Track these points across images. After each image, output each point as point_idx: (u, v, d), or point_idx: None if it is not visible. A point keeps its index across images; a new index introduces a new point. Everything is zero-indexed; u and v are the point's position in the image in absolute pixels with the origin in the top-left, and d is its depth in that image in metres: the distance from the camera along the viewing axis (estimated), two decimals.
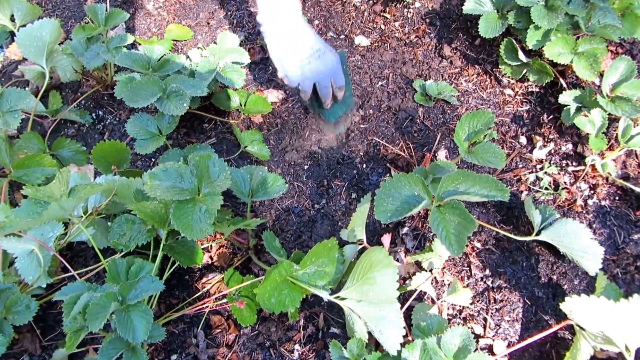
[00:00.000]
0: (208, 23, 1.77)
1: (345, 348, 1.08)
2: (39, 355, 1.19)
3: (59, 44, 1.48)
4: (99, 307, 0.93)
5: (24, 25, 1.39)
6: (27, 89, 1.52)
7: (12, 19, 1.48)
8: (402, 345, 1.01)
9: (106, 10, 1.44)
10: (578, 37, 1.41)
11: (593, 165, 1.41)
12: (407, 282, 1.24)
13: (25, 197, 1.13)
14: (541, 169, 1.43)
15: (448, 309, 1.25)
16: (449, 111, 1.54)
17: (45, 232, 1.11)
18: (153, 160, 1.49)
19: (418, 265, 1.28)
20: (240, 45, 1.56)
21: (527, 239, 1.23)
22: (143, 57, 1.42)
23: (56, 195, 1.02)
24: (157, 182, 1.01)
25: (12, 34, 1.44)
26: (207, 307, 1.23)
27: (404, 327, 1.02)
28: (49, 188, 1.01)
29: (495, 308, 1.25)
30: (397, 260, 1.28)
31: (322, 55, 1.25)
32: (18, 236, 1.09)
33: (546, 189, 1.40)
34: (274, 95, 1.59)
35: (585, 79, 1.40)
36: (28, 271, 1.09)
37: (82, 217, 1.15)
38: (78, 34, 1.45)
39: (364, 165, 1.47)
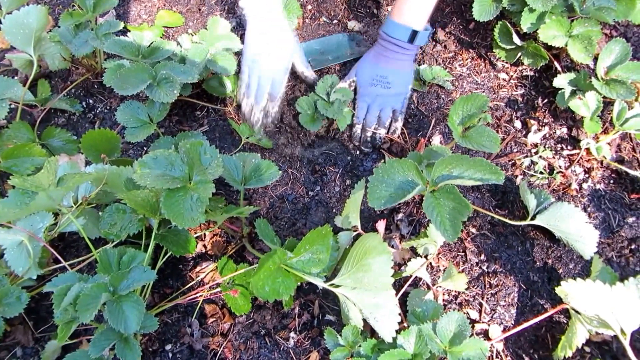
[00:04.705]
0: (199, 9, 1.74)
1: (341, 335, 1.08)
2: (32, 347, 1.18)
3: (47, 32, 1.45)
4: (89, 298, 0.92)
5: (10, 13, 1.36)
6: (15, 77, 1.50)
7: None
8: (398, 331, 1.01)
9: None
10: (572, 20, 1.40)
11: (588, 149, 1.40)
12: (402, 268, 1.23)
13: (13, 187, 1.12)
14: (536, 153, 1.42)
15: (443, 294, 1.25)
16: (443, 96, 1.53)
17: (34, 223, 1.09)
18: (145, 148, 1.47)
19: (413, 251, 1.28)
20: (232, 31, 1.53)
21: (522, 223, 1.23)
22: (132, 44, 1.39)
23: (44, 185, 1.01)
24: (147, 170, 0.99)
25: None
26: (201, 296, 1.22)
27: (399, 314, 1.01)
28: (36, 178, 0.99)
29: (491, 293, 1.25)
30: (392, 247, 1.27)
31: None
32: (7, 227, 1.07)
33: (541, 173, 1.39)
34: None
35: (579, 61, 1.39)
36: (18, 262, 1.07)
37: (72, 207, 1.13)
38: (66, 20, 1.42)
39: (358, 152, 1.46)
